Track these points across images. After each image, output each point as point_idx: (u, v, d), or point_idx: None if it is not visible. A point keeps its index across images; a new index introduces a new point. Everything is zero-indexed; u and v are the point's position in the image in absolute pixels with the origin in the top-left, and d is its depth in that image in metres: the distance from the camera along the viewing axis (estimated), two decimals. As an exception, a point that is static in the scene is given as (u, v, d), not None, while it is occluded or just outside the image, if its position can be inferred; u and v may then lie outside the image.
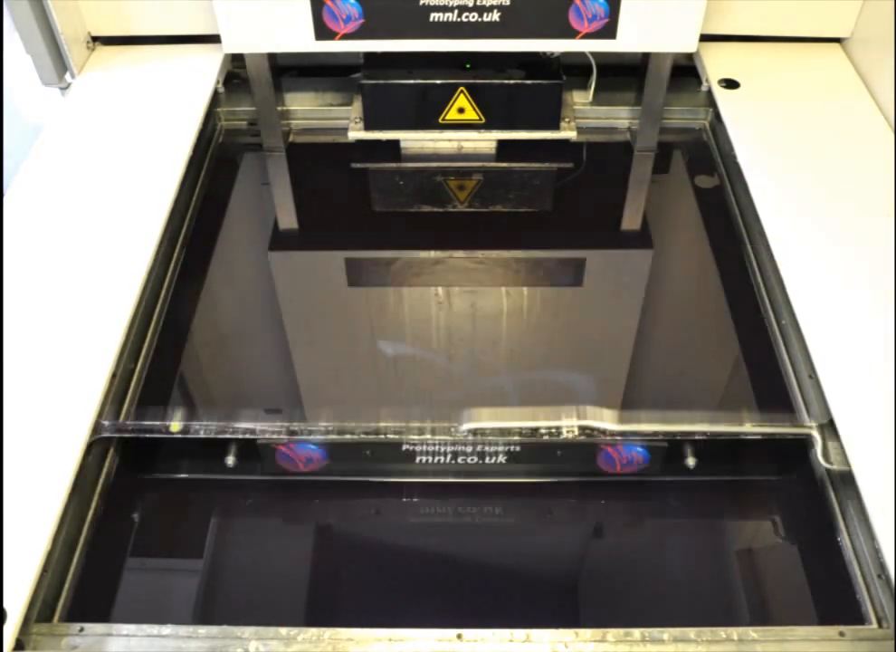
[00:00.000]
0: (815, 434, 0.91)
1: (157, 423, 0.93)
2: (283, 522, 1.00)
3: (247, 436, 0.92)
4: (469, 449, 0.94)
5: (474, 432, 0.92)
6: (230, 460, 0.95)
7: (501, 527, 0.97)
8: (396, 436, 0.92)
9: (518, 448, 0.94)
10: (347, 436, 0.92)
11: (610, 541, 0.98)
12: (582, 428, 0.92)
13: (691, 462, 0.95)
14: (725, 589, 0.90)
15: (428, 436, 0.92)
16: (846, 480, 0.88)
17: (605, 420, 0.92)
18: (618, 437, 0.92)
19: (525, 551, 0.95)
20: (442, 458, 0.95)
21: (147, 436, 0.93)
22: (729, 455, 0.97)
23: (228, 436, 0.92)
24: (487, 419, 0.93)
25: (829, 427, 0.91)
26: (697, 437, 0.92)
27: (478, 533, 0.96)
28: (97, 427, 0.90)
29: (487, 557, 0.94)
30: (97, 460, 0.93)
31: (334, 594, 0.91)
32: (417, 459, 0.95)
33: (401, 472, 0.97)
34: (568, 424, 0.92)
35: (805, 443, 0.93)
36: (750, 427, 0.92)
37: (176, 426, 0.93)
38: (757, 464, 0.99)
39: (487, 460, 0.95)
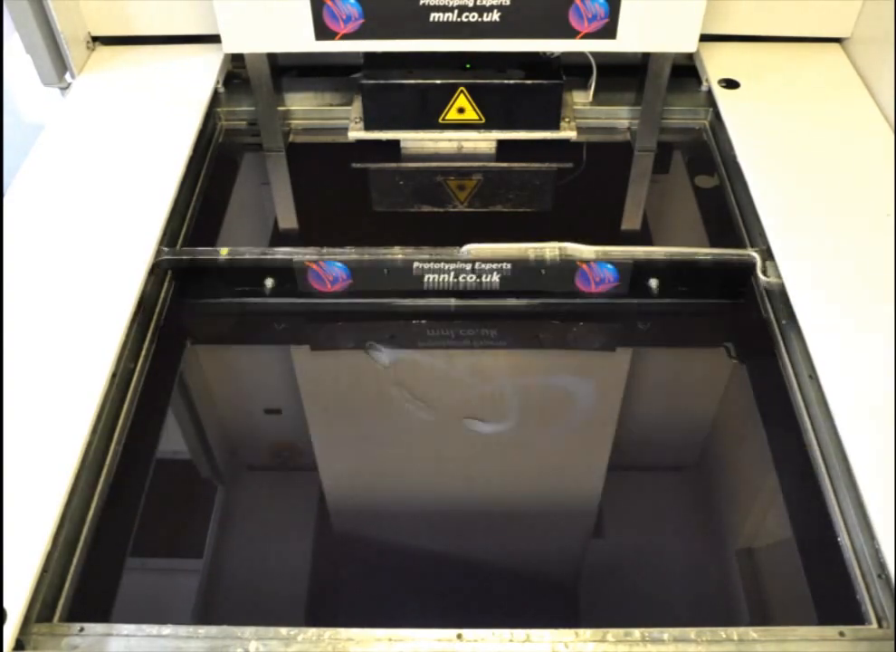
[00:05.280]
0: (756, 254, 1.09)
1: (209, 248, 1.14)
2: (311, 348, 1.18)
3: (285, 257, 1.10)
4: (468, 267, 1.10)
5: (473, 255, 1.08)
6: (269, 282, 1.12)
7: (501, 531, 0.97)
8: (409, 256, 1.10)
9: (508, 266, 1.10)
10: (368, 256, 1.11)
11: (611, 544, 0.98)
12: (562, 250, 1.10)
13: (653, 284, 1.12)
14: (725, 590, 0.91)
15: (436, 254, 1.10)
16: (783, 296, 1.04)
17: (584, 253, 1.10)
18: (591, 257, 1.09)
19: (525, 552, 0.95)
20: (446, 277, 1.11)
21: (201, 258, 1.12)
22: (686, 279, 1.14)
23: (269, 257, 1.11)
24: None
25: (767, 251, 1.09)
26: (658, 257, 1.10)
27: (478, 535, 0.96)
28: (159, 252, 1.09)
29: (487, 557, 0.94)
30: (156, 284, 1.12)
31: (334, 594, 0.91)
32: (426, 278, 1.11)
33: (412, 294, 1.14)
34: (551, 246, 1.10)
35: (748, 265, 1.10)
36: (702, 249, 1.12)
37: (224, 251, 1.12)
38: (709, 287, 1.16)
39: (483, 278, 1.11)
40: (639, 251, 1.12)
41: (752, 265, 1.10)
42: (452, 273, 1.12)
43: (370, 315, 1.17)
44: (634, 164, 1.45)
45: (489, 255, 1.10)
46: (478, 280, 1.12)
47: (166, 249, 1.11)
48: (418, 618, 0.81)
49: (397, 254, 1.11)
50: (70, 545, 0.85)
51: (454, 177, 1.42)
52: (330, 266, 1.10)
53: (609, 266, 1.11)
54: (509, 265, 1.11)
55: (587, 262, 1.10)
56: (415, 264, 1.11)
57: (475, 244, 1.10)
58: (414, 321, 1.16)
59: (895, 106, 1.27)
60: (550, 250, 1.10)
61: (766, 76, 1.40)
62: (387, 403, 1.08)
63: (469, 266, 1.11)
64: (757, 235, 1.17)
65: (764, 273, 1.08)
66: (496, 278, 1.12)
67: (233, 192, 1.41)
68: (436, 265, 1.11)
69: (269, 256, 1.12)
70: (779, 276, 1.05)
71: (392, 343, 1.14)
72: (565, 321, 1.18)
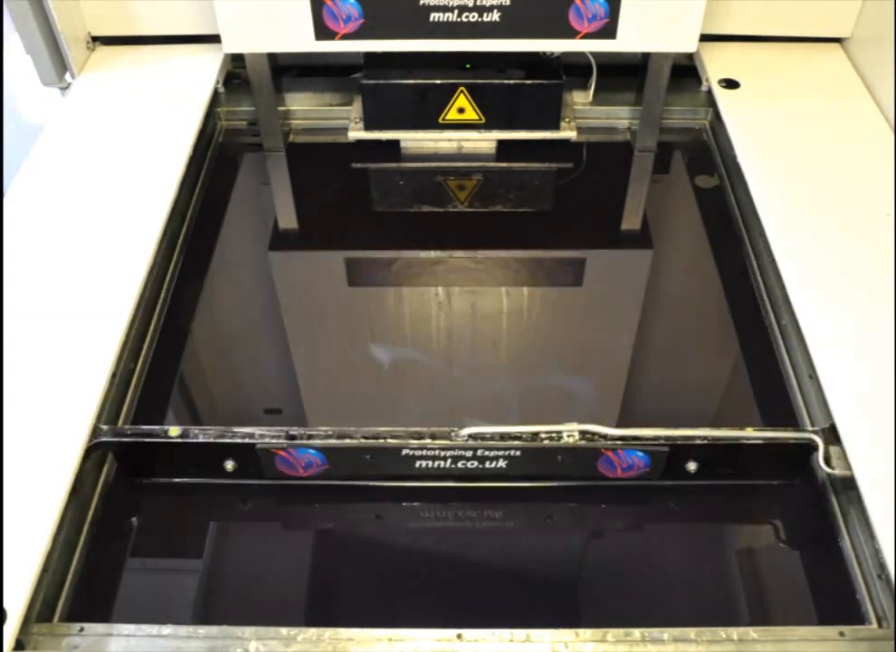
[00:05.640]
0: (817, 438, 0.90)
1: (156, 428, 0.92)
2: (283, 526, 1.00)
3: (246, 440, 0.91)
4: (469, 454, 0.93)
5: (474, 437, 0.91)
6: (229, 465, 0.93)
7: (501, 531, 0.97)
8: (396, 441, 0.91)
9: (518, 453, 0.92)
10: (347, 441, 0.91)
11: (610, 545, 0.98)
12: (582, 433, 0.91)
13: (692, 467, 0.93)
14: (725, 590, 0.90)
15: (428, 441, 0.91)
16: (848, 485, 0.88)
17: (608, 436, 0.91)
18: (618, 442, 0.91)
19: (525, 552, 0.95)
20: (442, 463, 0.94)
21: (146, 440, 0.92)
22: (730, 460, 0.95)
23: (227, 440, 0.91)
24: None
25: (830, 431, 0.90)
26: (698, 442, 0.91)
27: (478, 535, 0.96)
28: (96, 431, 0.90)
29: (487, 558, 0.94)
30: (96, 464, 0.93)
31: (334, 594, 0.91)
32: (417, 464, 0.93)
33: (401, 477, 0.96)
34: (569, 429, 0.91)
35: (807, 447, 0.91)
36: (751, 432, 0.91)
37: (174, 430, 0.92)
38: (758, 468, 0.97)
39: (487, 465, 0.94)
40: (675, 434, 0.91)
41: (812, 448, 0.91)
42: (448, 460, 0.94)
43: (351, 498, 0.98)
44: (634, 164, 1.45)
45: (492, 436, 0.92)
46: (480, 466, 0.94)
47: (104, 427, 0.91)
48: (418, 618, 0.81)
49: (382, 438, 0.92)
50: (70, 545, 0.85)
51: (454, 177, 1.42)
52: (302, 453, 0.93)
53: (639, 453, 0.92)
54: (517, 452, 0.92)
55: (613, 448, 0.91)
56: (404, 451, 0.93)
57: (476, 428, 0.91)
58: (404, 504, 0.99)
59: (895, 106, 1.27)
60: (568, 433, 0.91)
61: (766, 76, 1.40)
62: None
63: (469, 452, 0.93)
64: (757, 236, 1.17)
65: (827, 462, 0.89)
66: (502, 464, 0.94)
67: (233, 192, 1.41)
68: (430, 452, 0.93)
69: (226, 439, 0.91)
70: (848, 467, 0.86)
71: (377, 527, 0.98)
72: (584, 504, 1.00)
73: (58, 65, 1.38)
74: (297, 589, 0.91)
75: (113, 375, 0.96)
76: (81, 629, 0.77)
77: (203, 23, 1.39)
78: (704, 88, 1.46)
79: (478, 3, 1.24)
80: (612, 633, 0.77)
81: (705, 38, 1.39)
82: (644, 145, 1.46)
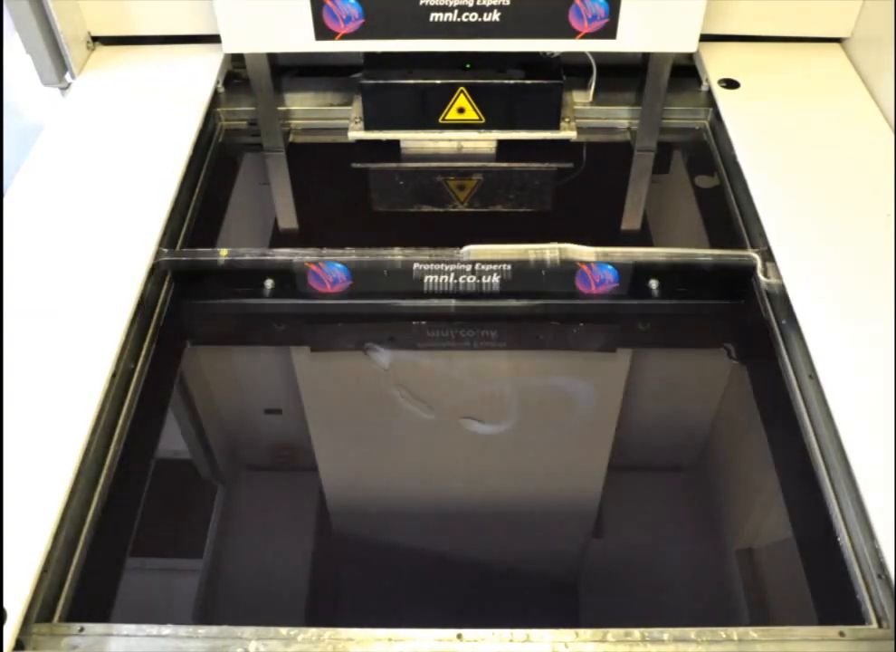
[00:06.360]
0: (756, 256, 1.09)
1: (209, 249, 1.14)
2: (311, 348, 1.19)
3: (284, 257, 1.10)
4: (468, 268, 1.10)
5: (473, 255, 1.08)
6: (269, 283, 1.12)
7: (502, 531, 0.97)
8: (409, 256, 1.10)
9: (508, 267, 1.10)
10: (368, 258, 1.10)
11: (610, 545, 0.98)
12: (562, 251, 1.09)
13: (654, 285, 1.12)
14: (725, 590, 0.91)
15: (435, 254, 1.10)
16: (784, 298, 1.04)
17: (584, 254, 1.10)
18: (591, 258, 1.09)
19: (525, 552, 0.95)
20: (446, 278, 1.11)
21: (201, 259, 1.12)
22: (687, 281, 1.13)
23: (269, 257, 1.11)
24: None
25: (767, 252, 1.09)
26: (658, 259, 1.10)
27: (478, 535, 0.96)
28: (158, 253, 1.08)
29: (487, 557, 0.95)
30: (156, 284, 1.11)
31: (334, 594, 0.91)
32: (425, 279, 1.11)
33: (412, 295, 1.13)
34: (551, 247, 1.10)
35: (749, 266, 1.10)
36: (703, 250, 1.12)
37: (224, 252, 1.11)
38: (709, 289, 1.15)
39: (483, 280, 1.11)
40: (639, 252, 1.12)
41: (752, 267, 1.10)
42: (451, 275, 1.12)
43: (370, 317, 1.17)
44: (634, 164, 1.45)
45: (488, 257, 1.11)
46: (478, 281, 1.12)
47: (165, 250, 1.11)
48: (418, 618, 0.81)
49: (397, 254, 1.11)
50: (70, 545, 0.85)
51: (454, 177, 1.42)
52: (330, 267, 1.10)
53: (609, 267, 1.11)
54: (508, 267, 1.11)
55: (587, 263, 1.10)
56: (415, 266, 1.11)
57: (475, 246, 1.10)
58: (413, 323, 1.16)
59: (895, 106, 1.27)
60: (550, 251, 1.10)
61: (766, 76, 1.40)
62: (387, 404, 1.08)
63: (469, 267, 1.11)
64: (757, 235, 1.17)
65: (764, 274, 1.08)
66: (496, 279, 1.12)
67: (233, 192, 1.41)
68: (436, 267, 1.11)
69: (268, 257, 1.12)
70: (780, 277, 1.05)
71: (391, 345, 1.14)
72: (565, 322, 1.18)
73: (58, 65, 1.38)
74: (297, 589, 0.91)
75: (113, 375, 0.96)
76: (81, 629, 0.77)
77: (203, 23, 1.39)
78: (704, 88, 1.46)
79: (478, 3, 1.24)
80: (612, 633, 0.77)
81: (705, 38, 1.38)
82: (644, 145, 1.46)
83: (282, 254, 1.12)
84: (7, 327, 0.98)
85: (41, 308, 1.01)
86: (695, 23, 1.28)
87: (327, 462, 1.03)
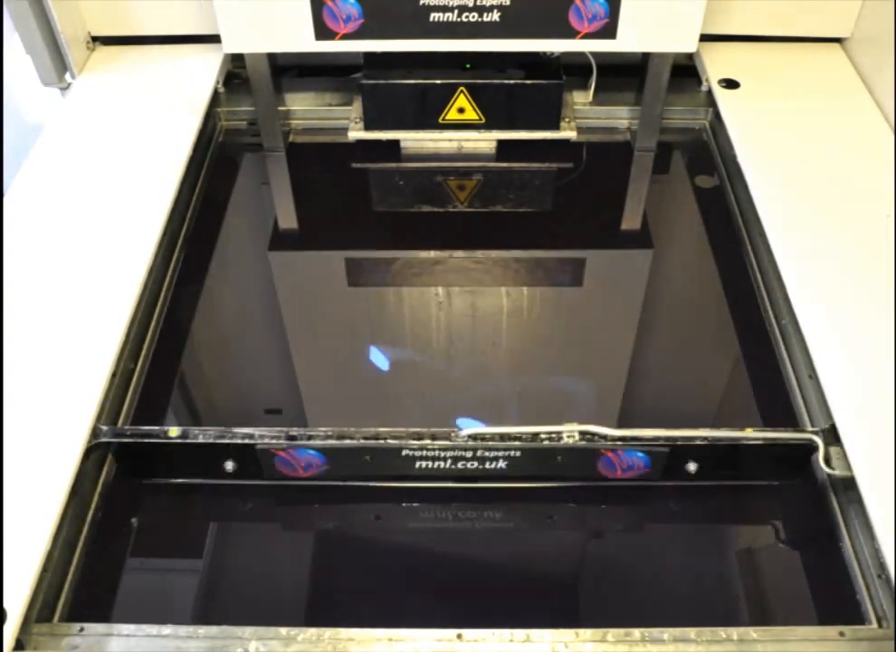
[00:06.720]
0: (817, 439, 0.89)
1: (156, 428, 0.92)
2: (283, 526, 1.00)
3: (246, 441, 0.91)
4: (469, 454, 0.92)
5: (474, 437, 0.91)
6: (229, 465, 0.93)
7: (501, 532, 0.97)
8: (396, 442, 0.91)
9: (518, 454, 0.92)
10: (347, 442, 0.91)
11: (610, 545, 0.98)
12: (582, 434, 0.91)
13: (692, 467, 0.93)
14: (725, 590, 0.90)
15: (428, 442, 0.91)
16: (848, 485, 0.88)
17: (608, 437, 0.91)
18: (618, 442, 0.91)
19: (525, 552, 0.95)
20: (441, 464, 0.93)
21: (146, 441, 0.92)
22: (730, 461, 0.95)
23: (227, 441, 0.91)
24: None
25: (830, 432, 0.90)
26: (698, 442, 0.91)
27: (478, 535, 0.96)
28: (95, 432, 0.90)
29: (487, 558, 0.94)
30: (96, 464, 0.93)
31: (334, 594, 0.91)
32: (417, 464, 0.93)
33: (401, 477, 0.96)
34: (569, 429, 0.91)
35: (807, 448, 0.91)
36: (751, 433, 0.91)
37: (174, 431, 0.92)
38: (758, 469, 0.97)
39: (487, 465, 0.93)
40: (675, 434, 0.91)
41: (812, 449, 0.92)
42: (448, 461, 0.94)
43: (351, 498, 0.98)
44: (634, 164, 1.45)
45: (492, 436, 0.92)
46: (480, 466, 0.94)
47: (104, 428, 0.91)
48: (418, 618, 0.81)
49: (382, 439, 0.92)
50: (70, 545, 0.85)
51: (454, 177, 1.42)
52: (302, 453, 0.93)
53: (639, 454, 0.92)
54: (517, 452, 0.93)
55: (613, 448, 0.92)
56: (404, 452, 0.93)
57: (476, 429, 0.92)
58: (403, 504, 0.99)
59: (895, 106, 1.27)
60: (568, 434, 0.91)
61: (766, 76, 1.40)
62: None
63: (469, 453, 0.93)
64: (757, 236, 1.17)
65: (827, 462, 0.89)
66: (502, 464, 0.94)
67: (233, 192, 1.41)
68: (430, 452, 0.93)
69: (226, 440, 0.92)
70: (848, 468, 0.87)
71: (377, 528, 0.98)
72: (584, 504, 0.99)
73: (58, 65, 1.38)
74: (297, 589, 0.91)
75: (113, 375, 0.96)
76: (81, 629, 0.77)
77: (203, 23, 1.39)
78: (704, 88, 1.46)
79: (478, 3, 1.24)
80: (612, 633, 0.77)
81: (705, 38, 1.39)
82: (644, 145, 1.46)
83: (242, 435, 0.92)
84: (7, 327, 0.98)
85: (41, 307, 1.01)
86: (695, 23, 1.28)
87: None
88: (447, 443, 0.92)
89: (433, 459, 0.93)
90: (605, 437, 0.91)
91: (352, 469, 0.94)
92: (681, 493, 0.97)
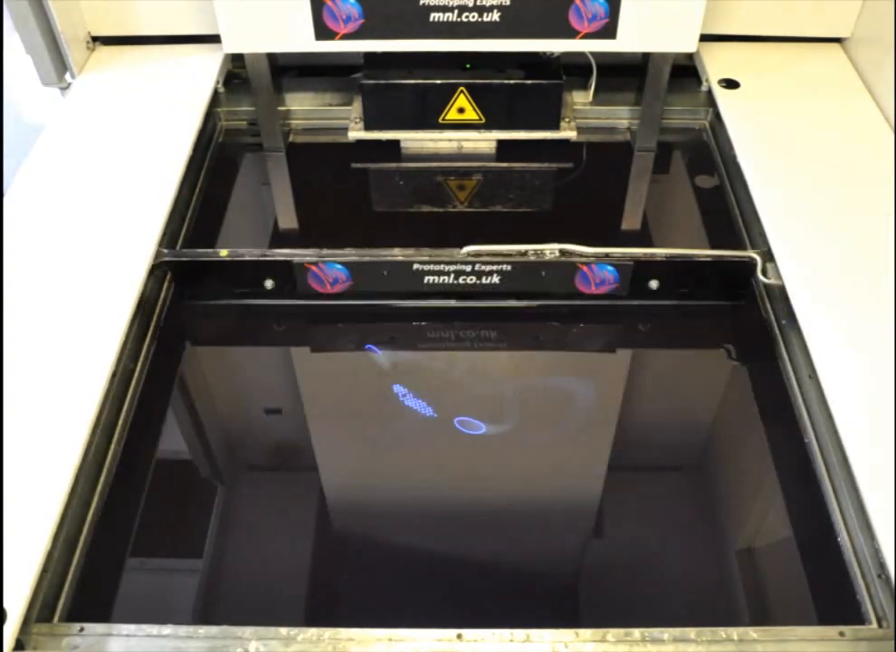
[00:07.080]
0: (756, 256, 1.10)
1: (209, 250, 1.14)
2: (311, 348, 1.19)
3: (284, 258, 1.11)
4: (468, 268, 1.11)
5: (474, 254, 1.10)
6: (268, 283, 1.12)
7: (502, 528, 0.97)
8: (409, 256, 1.11)
9: (509, 267, 1.10)
10: (367, 258, 1.11)
11: (610, 545, 0.98)
12: (562, 251, 1.10)
13: (654, 284, 1.13)
14: (725, 590, 0.91)
15: (435, 255, 1.10)
16: (783, 295, 1.05)
17: (584, 253, 1.10)
18: (592, 258, 1.10)
19: (525, 550, 0.95)
20: (446, 278, 1.12)
21: (201, 259, 1.12)
22: (686, 279, 1.14)
23: (268, 258, 1.11)
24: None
25: (767, 253, 1.09)
26: (658, 259, 1.10)
27: (478, 535, 0.96)
28: (158, 253, 1.09)
29: (487, 557, 0.94)
30: (157, 282, 1.13)
31: (334, 594, 0.91)
32: (426, 279, 1.12)
33: (412, 295, 1.15)
34: (551, 247, 1.10)
35: (748, 265, 1.10)
36: (703, 251, 1.13)
37: (225, 251, 1.12)
38: (710, 288, 1.16)
39: (483, 280, 1.12)
40: (639, 252, 1.12)
41: (753, 266, 1.10)
42: (451, 275, 1.12)
43: (370, 317, 1.18)
44: (634, 164, 1.45)
45: (488, 257, 1.11)
46: (478, 281, 1.13)
47: (165, 250, 1.11)
48: (418, 618, 0.81)
49: (397, 254, 1.11)
50: (70, 545, 0.85)
51: (454, 177, 1.42)
52: (330, 268, 1.11)
53: (609, 267, 1.11)
54: (508, 267, 1.11)
55: (587, 263, 1.11)
56: (415, 266, 1.11)
57: (475, 247, 1.10)
58: (414, 323, 1.17)
59: (895, 106, 1.27)
60: (550, 251, 1.11)
61: (766, 76, 1.40)
62: (387, 403, 1.08)
63: (469, 267, 1.11)
64: (756, 235, 1.17)
65: (764, 274, 1.08)
66: (496, 279, 1.12)
67: (233, 192, 1.41)
68: (436, 267, 1.12)
69: (268, 258, 1.12)
70: (780, 277, 1.05)
71: (392, 345, 1.15)
72: (565, 322, 1.18)
73: (58, 65, 1.38)
74: (297, 589, 0.91)
75: (113, 375, 0.96)
76: (81, 629, 0.77)
77: (203, 23, 1.39)
78: (704, 88, 1.46)
79: (478, 3, 1.24)
80: (612, 633, 0.77)
81: (705, 38, 1.39)
82: (644, 145, 1.46)
83: (282, 254, 1.12)
84: (7, 327, 0.98)
85: (41, 308, 1.01)
86: (695, 24, 1.28)
87: (327, 461, 1.03)
88: (450, 257, 1.11)
89: (439, 274, 1.12)
90: (581, 254, 1.10)
91: (372, 284, 1.13)
92: (647, 313, 1.17)
